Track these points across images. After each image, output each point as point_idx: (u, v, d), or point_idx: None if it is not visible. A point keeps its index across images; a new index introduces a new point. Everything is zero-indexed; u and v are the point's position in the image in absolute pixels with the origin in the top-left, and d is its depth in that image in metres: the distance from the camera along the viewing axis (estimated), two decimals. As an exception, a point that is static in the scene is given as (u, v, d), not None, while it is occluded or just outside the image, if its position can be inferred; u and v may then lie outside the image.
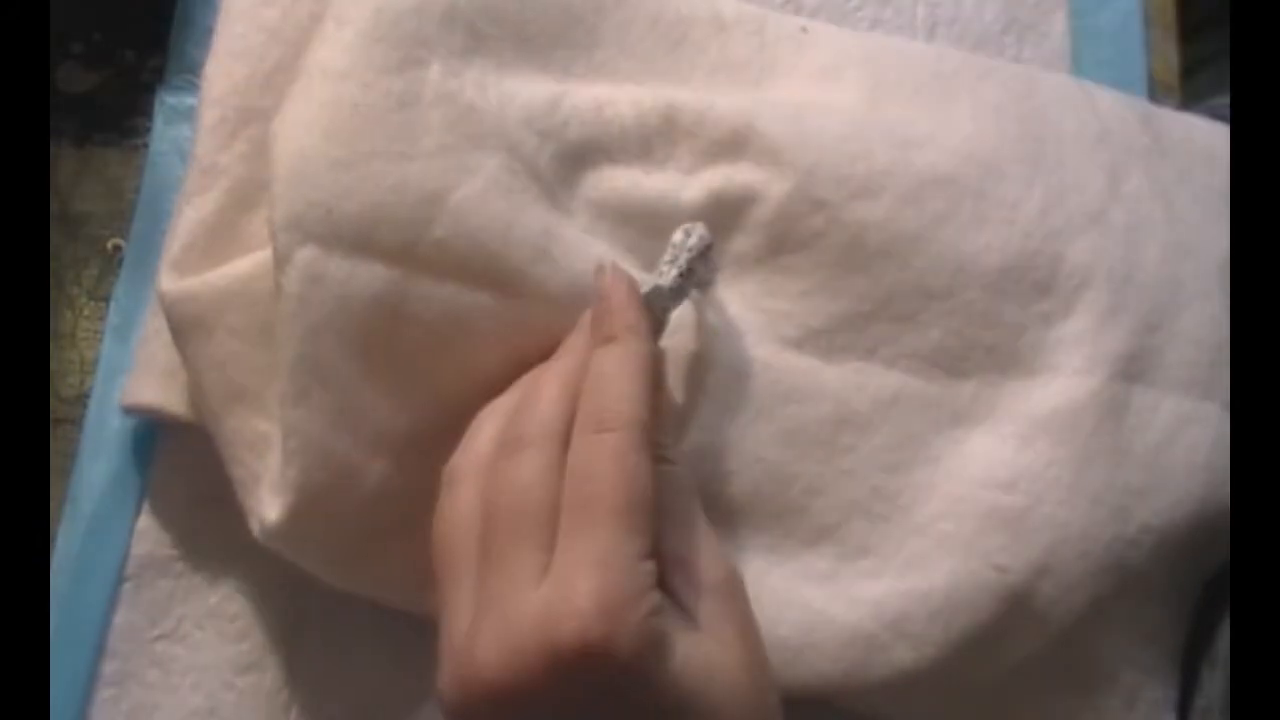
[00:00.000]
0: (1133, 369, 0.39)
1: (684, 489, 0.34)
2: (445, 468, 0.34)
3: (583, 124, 0.39)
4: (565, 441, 0.32)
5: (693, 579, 0.32)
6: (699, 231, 0.38)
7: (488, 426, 0.34)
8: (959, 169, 0.40)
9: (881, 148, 0.40)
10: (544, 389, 0.34)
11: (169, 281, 0.39)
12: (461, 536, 0.32)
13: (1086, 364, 0.38)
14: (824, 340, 0.39)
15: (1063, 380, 0.38)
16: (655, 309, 0.36)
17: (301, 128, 0.36)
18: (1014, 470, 0.38)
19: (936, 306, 0.39)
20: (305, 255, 0.35)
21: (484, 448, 0.33)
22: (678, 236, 0.38)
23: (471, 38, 0.39)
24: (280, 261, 0.36)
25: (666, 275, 0.37)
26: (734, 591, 0.32)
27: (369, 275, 0.36)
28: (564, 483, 0.31)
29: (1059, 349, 0.39)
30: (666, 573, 0.32)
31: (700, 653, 0.30)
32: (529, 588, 0.30)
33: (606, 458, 0.31)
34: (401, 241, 0.36)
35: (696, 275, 0.37)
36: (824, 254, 0.39)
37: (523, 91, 0.39)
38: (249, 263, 0.39)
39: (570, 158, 0.39)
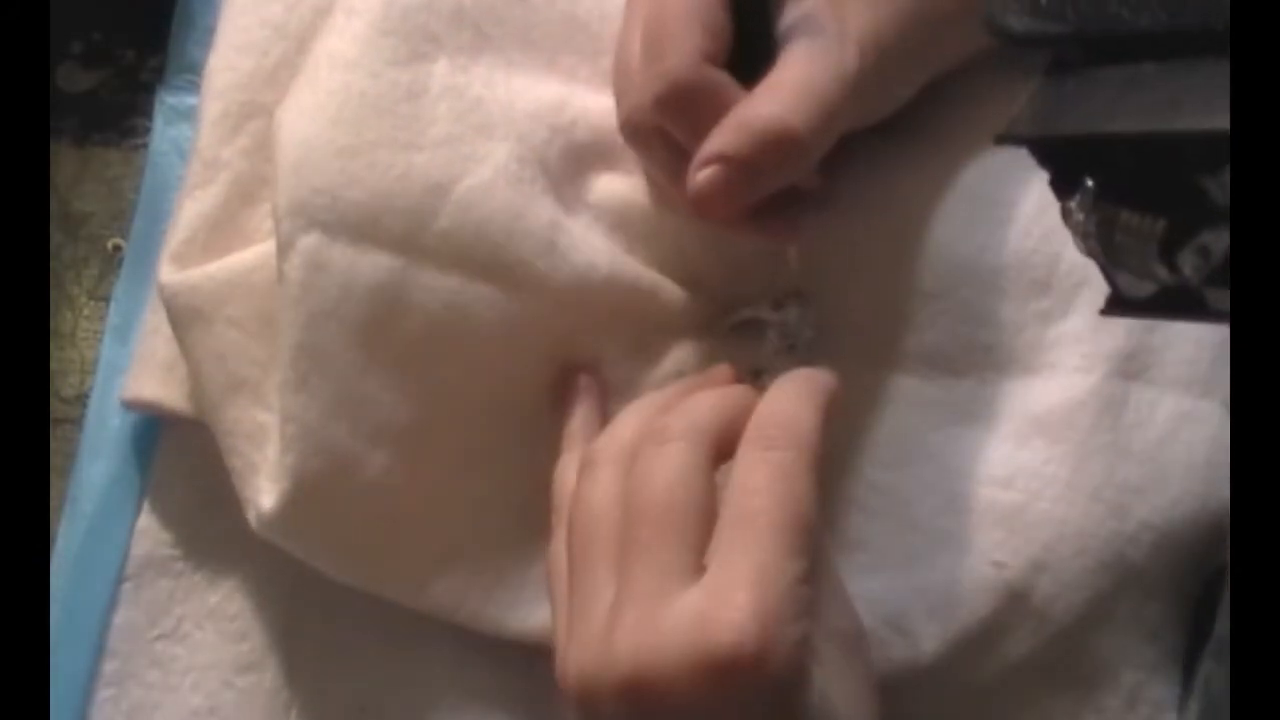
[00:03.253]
0: (1131, 367, 0.39)
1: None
2: (584, 451, 0.34)
3: (590, 127, 0.39)
4: (713, 445, 0.32)
5: (822, 623, 0.31)
6: (811, 317, 0.38)
7: (633, 418, 0.34)
8: (956, 168, 0.40)
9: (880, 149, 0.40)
10: (701, 393, 0.34)
11: (169, 273, 0.39)
12: (602, 521, 0.32)
13: (1085, 362, 0.38)
14: (822, 340, 0.39)
15: (1061, 378, 0.38)
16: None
17: (308, 115, 0.36)
18: (1012, 467, 0.38)
19: (934, 306, 0.39)
20: (309, 242, 0.35)
21: (628, 436, 0.33)
22: (789, 317, 0.38)
23: (479, 37, 0.39)
24: (283, 248, 0.36)
25: (777, 360, 0.37)
26: (860, 646, 0.32)
27: (372, 264, 0.36)
28: (712, 485, 0.31)
29: (1057, 347, 0.39)
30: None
31: (831, 694, 0.30)
32: (677, 587, 0.30)
33: (774, 475, 0.31)
34: (406, 231, 0.36)
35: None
36: (823, 256, 0.39)
37: (532, 89, 0.39)
38: (250, 254, 0.39)
39: (576, 157, 0.39)
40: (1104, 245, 0.26)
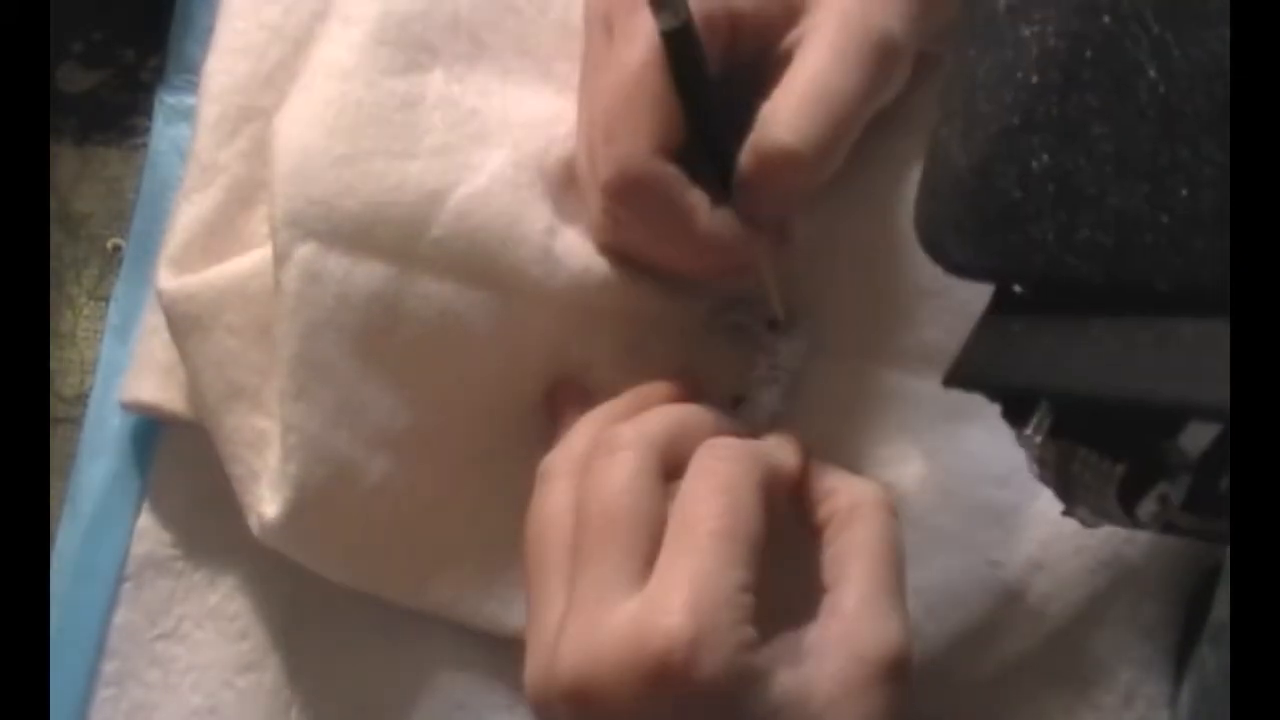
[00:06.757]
0: (1130, 366, 0.39)
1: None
2: (541, 463, 0.34)
3: None
4: (661, 455, 0.32)
5: (851, 646, 0.31)
6: (801, 348, 0.38)
7: (587, 427, 0.34)
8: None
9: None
10: (654, 403, 0.35)
11: (167, 279, 0.39)
12: (554, 532, 0.32)
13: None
14: (820, 337, 0.39)
15: (1059, 377, 0.38)
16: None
17: (304, 124, 0.36)
18: (1008, 465, 0.38)
19: (933, 304, 0.39)
20: (304, 252, 0.35)
21: (581, 446, 0.33)
22: (778, 347, 0.38)
23: (475, 46, 0.39)
24: (279, 258, 0.36)
25: (761, 390, 0.38)
26: (884, 675, 0.31)
27: (368, 273, 0.36)
28: (659, 494, 0.31)
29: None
30: (831, 628, 0.31)
31: (800, 705, 0.30)
32: (619, 595, 0.30)
33: (718, 485, 0.31)
34: (400, 239, 0.36)
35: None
36: (821, 253, 0.40)
37: (528, 100, 0.39)
38: (248, 261, 0.39)
39: (571, 167, 0.39)
40: (1059, 476, 0.25)
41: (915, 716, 0.39)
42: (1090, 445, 0.24)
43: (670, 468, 0.32)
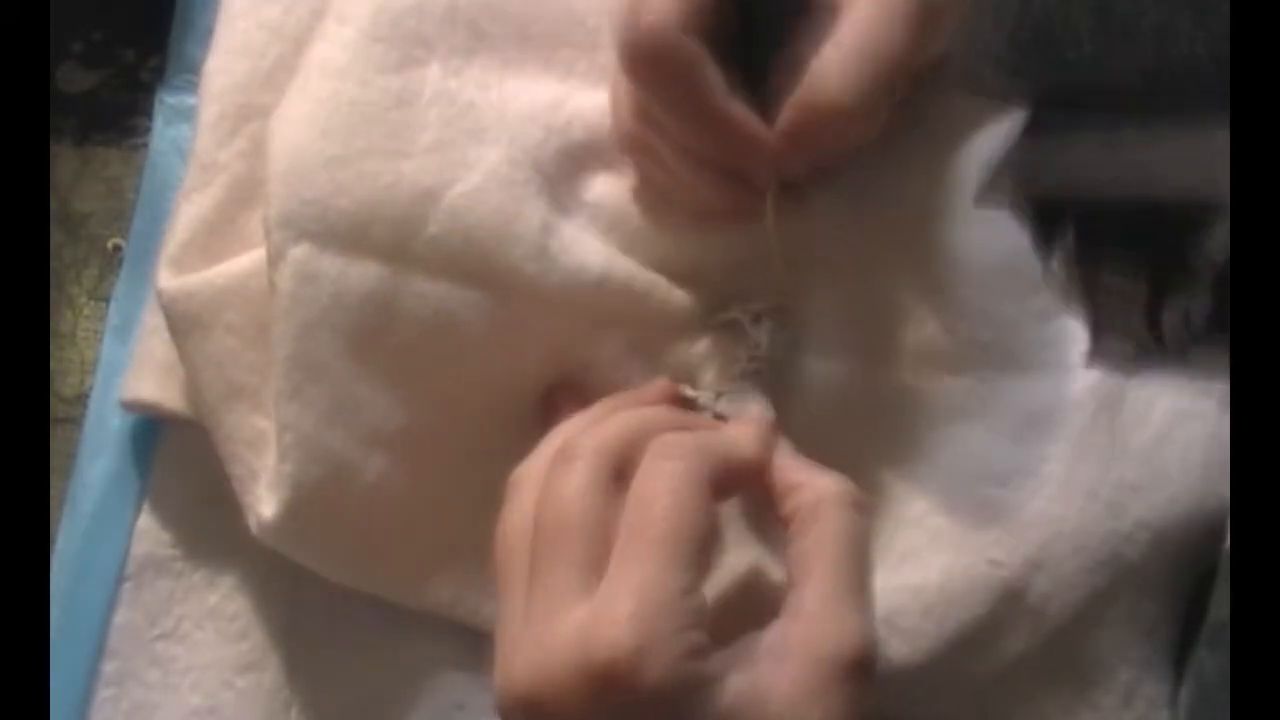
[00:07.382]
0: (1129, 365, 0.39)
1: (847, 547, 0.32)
2: (512, 474, 0.34)
3: (586, 126, 0.39)
4: (615, 460, 0.32)
5: (810, 647, 0.30)
6: (784, 339, 0.38)
7: (559, 438, 0.34)
8: (951, 164, 0.40)
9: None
10: (618, 412, 0.34)
11: (167, 278, 0.39)
12: (516, 544, 0.32)
13: (1081, 360, 0.38)
14: (820, 337, 0.39)
15: (1058, 376, 0.38)
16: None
17: (298, 124, 0.36)
18: (1008, 465, 0.38)
19: (931, 303, 0.39)
20: (298, 253, 0.36)
21: (549, 455, 0.33)
22: (761, 339, 0.38)
23: (473, 36, 0.39)
24: (274, 259, 0.36)
25: (741, 384, 0.37)
26: (844, 676, 0.30)
27: (362, 273, 0.36)
28: (610, 502, 0.31)
29: (1054, 345, 0.39)
30: (791, 628, 0.31)
31: (755, 708, 0.30)
32: (569, 605, 0.30)
33: (664, 486, 0.31)
34: (395, 239, 0.36)
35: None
36: (818, 252, 0.40)
37: (527, 89, 0.39)
38: (247, 260, 0.39)
39: (572, 157, 0.39)
40: (1087, 303, 0.26)
41: (913, 717, 0.39)
42: (1116, 259, 0.24)
43: (627, 474, 0.32)
